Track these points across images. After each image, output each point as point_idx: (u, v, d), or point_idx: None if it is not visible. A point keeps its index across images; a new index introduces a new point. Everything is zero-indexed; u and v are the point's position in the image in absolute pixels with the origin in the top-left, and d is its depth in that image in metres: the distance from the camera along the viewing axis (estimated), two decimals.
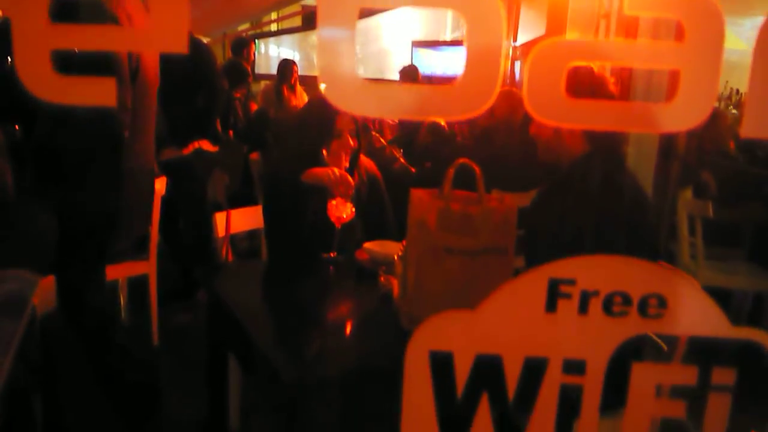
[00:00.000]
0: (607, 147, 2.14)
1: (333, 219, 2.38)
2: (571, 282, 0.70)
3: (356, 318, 2.29)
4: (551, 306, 0.71)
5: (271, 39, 12.40)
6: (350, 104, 0.65)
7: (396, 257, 2.22)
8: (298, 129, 2.75)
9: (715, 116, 5.41)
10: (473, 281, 1.80)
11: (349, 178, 2.57)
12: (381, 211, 2.75)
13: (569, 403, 0.75)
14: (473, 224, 1.81)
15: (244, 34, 10.94)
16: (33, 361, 2.19)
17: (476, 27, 0.65)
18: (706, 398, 0.75)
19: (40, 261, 2.33)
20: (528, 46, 6.22)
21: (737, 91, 7.39)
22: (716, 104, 7.29)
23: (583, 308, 0.71)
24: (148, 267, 3.86)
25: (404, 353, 0.75)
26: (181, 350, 3.86)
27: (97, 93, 0.63)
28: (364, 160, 2.65)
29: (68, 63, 0.66)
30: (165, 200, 3.78)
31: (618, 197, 2.10)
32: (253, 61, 5.67)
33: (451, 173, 1.85)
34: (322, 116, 2.64)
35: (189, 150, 4.23)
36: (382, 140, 4.19)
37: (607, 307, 0.71)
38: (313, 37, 12.80)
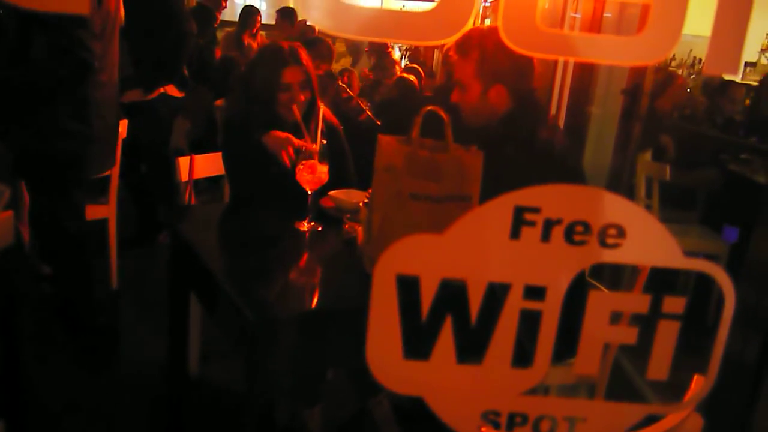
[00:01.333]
0: (529, 104, 2.17)
1: (303, 184, 2.32)
2: (536, 210, 0.72)
3: (320, 262, 2.31)
4: (515, 233, 0.74)
5: None
6: (329, 24, 0.65)
7: (361, 204, 2.23)
8: (248, 79, 2.70)
9: (676, 80, 5.50)
10: (436, 228, 1.83)
11: (294, 140, 2.50)
12: (341, 162, 2.74)
13: (528, 328, 0.79)
14: (439, 170, 1.83)
15: None
16: None
17: None
18: (655, 326, 0.79)
19: None
20: (499, 2, 6.20)
21: (700, 60, 7.51)
22: (679, 72, 7.42)
23: (546, 236, 0.74)
24: (107, 211, 3.81)
25: (366, 294, 0.77)
26: (141, 294, 3.85)
27: None
28: (324, 110, 2.62)
29: None
30: (126, 143, 3.72)
31: (544, 152, 2.14)
32: (224, 7, 5.52)
33: (419, 120, 1.86)
34: (268, 67, 2.58)
35: (155, 95, 4.14)
36: (349, 91, 4.16)
37: (569, 235, 0.74)
38: None
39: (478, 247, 0.75)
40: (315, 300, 2.00)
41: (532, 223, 0.73)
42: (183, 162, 3.08)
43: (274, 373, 1.90)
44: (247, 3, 7.37)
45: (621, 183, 4.56)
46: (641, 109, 4.63)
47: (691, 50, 7.42)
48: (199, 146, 4.22)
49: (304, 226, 2.36)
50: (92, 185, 3.66)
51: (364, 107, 4.26)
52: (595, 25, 4.54)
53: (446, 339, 0.77)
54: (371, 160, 1.93)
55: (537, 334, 0.77)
